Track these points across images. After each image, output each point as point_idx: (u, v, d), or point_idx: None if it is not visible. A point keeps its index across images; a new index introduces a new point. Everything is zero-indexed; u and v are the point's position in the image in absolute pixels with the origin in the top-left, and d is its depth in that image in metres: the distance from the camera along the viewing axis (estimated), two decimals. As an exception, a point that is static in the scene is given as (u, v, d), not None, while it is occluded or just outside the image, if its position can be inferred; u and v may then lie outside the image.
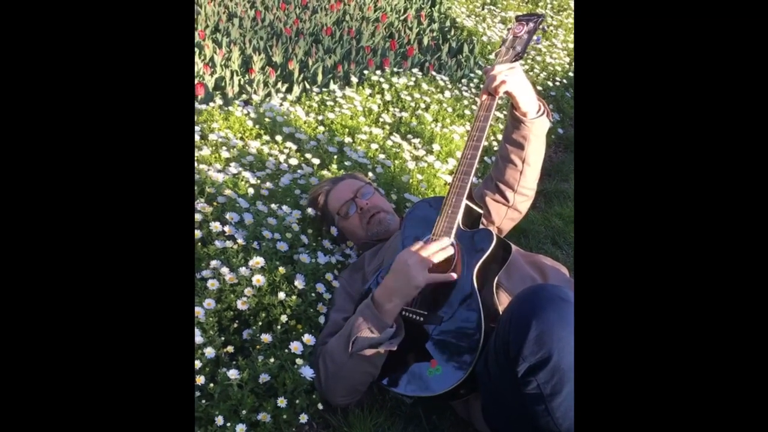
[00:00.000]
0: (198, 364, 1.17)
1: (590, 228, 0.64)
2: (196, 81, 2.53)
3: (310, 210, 1.62)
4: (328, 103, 2.38)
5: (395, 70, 2.75)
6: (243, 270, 1.35)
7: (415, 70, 2.74)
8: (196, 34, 3.11)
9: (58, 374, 0.63)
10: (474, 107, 2.56)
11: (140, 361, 0.68)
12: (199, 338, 1.21)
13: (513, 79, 1.28)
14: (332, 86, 2.57)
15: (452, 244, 1.20)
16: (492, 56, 3.30)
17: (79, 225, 0.65)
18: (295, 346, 1.24)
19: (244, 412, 1.13)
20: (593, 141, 0.66)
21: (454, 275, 1.17)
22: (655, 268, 0.61)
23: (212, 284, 1.32)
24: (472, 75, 2.96)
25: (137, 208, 0.69)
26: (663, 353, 0.60)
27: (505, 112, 2.53)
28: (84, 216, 0.66)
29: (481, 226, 1.30)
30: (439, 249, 1.18)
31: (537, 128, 1.35)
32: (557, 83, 3.18)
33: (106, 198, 0.67)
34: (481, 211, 1.33)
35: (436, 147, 2.11)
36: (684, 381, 0.59)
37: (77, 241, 0.65)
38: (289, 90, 2.69)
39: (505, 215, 1.44)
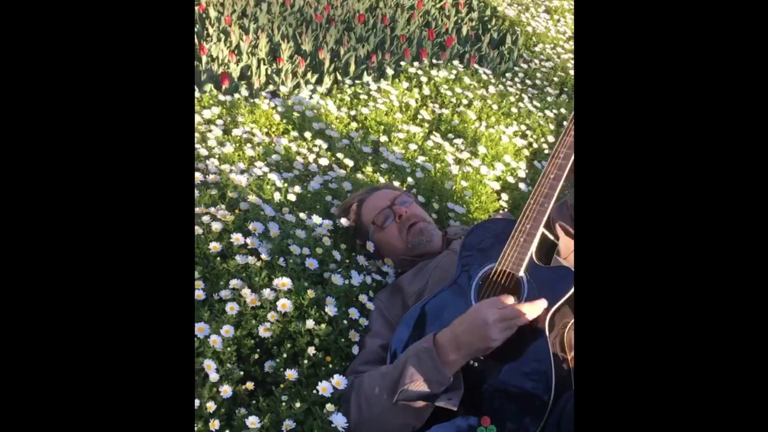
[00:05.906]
0: (212, 406, 1.01)
1: (591, 232, 0.64)
2: (221, 70, 2.36)
3: (343, 221, 1.44)
4: (362, 96, 2.19)
5: (434, 61, 2.54)
6: (266, 292, 1.18)
7: (455, 62, 2.53)
8: (223, 19, 2.94)
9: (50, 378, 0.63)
10: (521, 104, 2.34)
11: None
12: (214, 374, 1.04)
13: None
14: (365, 78, 2.38)
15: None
16: (537, 48, 3.07)
17: (64, 227, 0.65)
18: (324, 388, 1.06)
19: (264, 465, 0.97)
20: (594, 145, 0.66)
21: None
22: (657, 273, 0.61)
23: (231, 308, 1.15)
24: (516, 69, 2.73)
25: (134, 212, 0.68)
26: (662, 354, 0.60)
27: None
28: (73, 218, 0.66)
29: (555, 260, 1.09)
30: (529, 314, 0.97)
31: None
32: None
33: (101, 198, 0.67)
34: (557, 243, 1.13)
35: (481, 149, 1.91)
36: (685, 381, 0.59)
37: (63, 244, 0.65)
38: (319, 81, 2.50)
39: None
